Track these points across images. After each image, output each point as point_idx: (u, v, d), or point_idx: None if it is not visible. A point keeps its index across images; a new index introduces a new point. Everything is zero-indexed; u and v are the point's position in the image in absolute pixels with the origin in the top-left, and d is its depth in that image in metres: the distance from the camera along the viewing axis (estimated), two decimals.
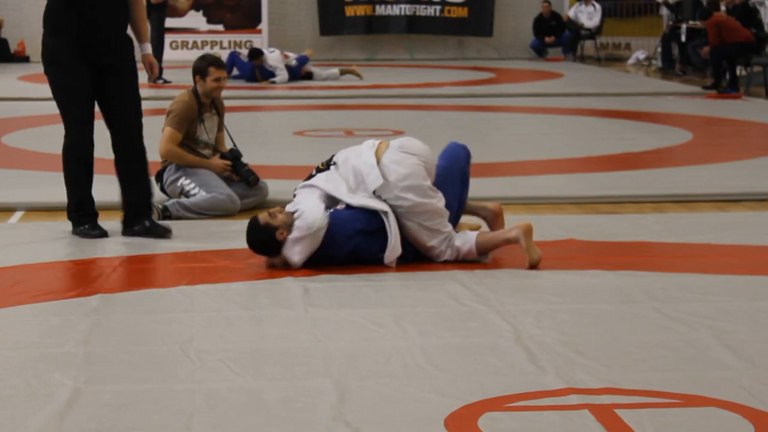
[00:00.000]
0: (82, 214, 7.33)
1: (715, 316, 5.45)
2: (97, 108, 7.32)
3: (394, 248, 6.46)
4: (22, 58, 24.40)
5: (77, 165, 7.29)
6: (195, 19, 25.00)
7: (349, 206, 6.55)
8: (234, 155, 8.36)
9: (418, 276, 6.33)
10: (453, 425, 4.10)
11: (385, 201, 6.51)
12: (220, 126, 8.54)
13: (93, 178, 7.36)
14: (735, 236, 7.26)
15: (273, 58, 19.20)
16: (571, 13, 25.27)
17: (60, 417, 4.18)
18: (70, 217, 7.37)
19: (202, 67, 8.27)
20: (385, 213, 6.48)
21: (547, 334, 5.20)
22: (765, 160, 10.52)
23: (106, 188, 7.55)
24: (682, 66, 21.29)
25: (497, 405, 4.29)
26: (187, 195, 8.17)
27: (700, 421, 4.14)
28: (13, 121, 13.98)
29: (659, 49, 22.77)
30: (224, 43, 24.92)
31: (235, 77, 19.16)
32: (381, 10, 25.66)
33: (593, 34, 25.17)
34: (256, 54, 19.16)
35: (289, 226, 6.42)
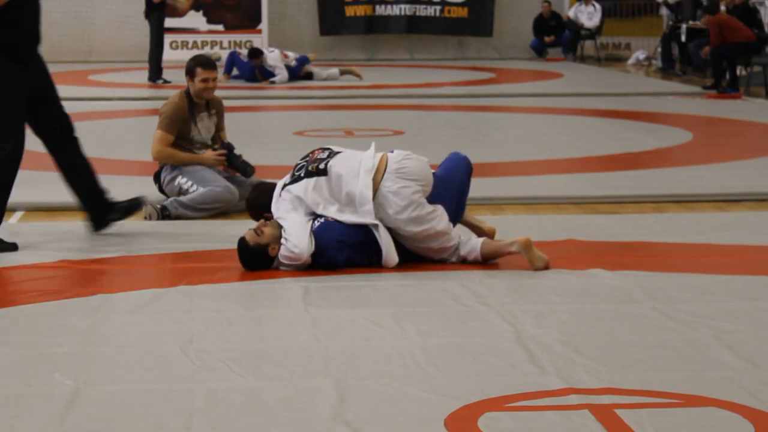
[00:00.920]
0: None
1: (715, 316, 5.45)
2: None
3: (387, 260, 6.42)
4: None
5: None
6: (195, 19, 24.97)
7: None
8: (226, 147, 8.32)
9: (418, 276, 6.32)
10: (453, 425, 4.10)
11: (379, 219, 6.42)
12: (220, 126, 8.53)
13: None
14: (735, 236, 7.26)
15: (273, 57, 19.20)
16: (571, 13, 25.26)
17: (60, 417, 4.18)
18: None
19: (191, 67, 8.25)
20: (375, 226, 6.40)
21: (547, 334, 5.19)
22: (765, 160, 10.52)
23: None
24: (682, 66, 21.29)
25: (497, 405, 4.29)
26: (185, 193, 8.17)
27: (700, 421, 4.14)
28: None
29: (659, 49, 22.76)
30: (224, 43, 24.90)
31: (235, 77, 19.17)
32: (381, 10, 25.64)
33: (593, 34, 25.16)
34: (255, 54, 19.16)
35: (278, 239, 6.38)
